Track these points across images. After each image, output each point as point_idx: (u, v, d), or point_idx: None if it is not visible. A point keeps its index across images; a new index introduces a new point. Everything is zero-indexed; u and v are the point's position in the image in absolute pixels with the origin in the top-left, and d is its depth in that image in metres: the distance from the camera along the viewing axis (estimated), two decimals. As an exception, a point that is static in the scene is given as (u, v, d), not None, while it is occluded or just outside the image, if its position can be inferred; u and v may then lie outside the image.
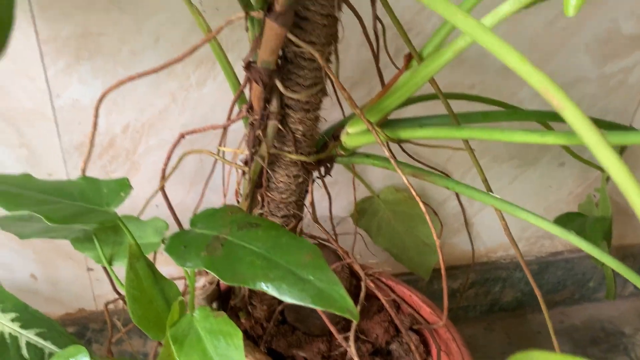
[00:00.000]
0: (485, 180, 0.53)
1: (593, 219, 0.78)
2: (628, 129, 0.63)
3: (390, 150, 0.51)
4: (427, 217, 0.52)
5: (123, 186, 0.51)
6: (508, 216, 0.91)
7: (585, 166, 0.87)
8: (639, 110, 0.84)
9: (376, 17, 0.54)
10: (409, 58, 0.49)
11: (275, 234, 0.42)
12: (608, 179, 0.80)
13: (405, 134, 0.51)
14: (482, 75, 0.74)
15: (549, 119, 0.53)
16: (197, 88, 0.65)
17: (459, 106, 0.72)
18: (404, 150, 0.62)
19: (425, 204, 0.79)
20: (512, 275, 0.97)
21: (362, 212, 0.82)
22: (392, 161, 0.50)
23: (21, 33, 0.57)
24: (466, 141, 0.54)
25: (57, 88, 0.61)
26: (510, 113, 0.54)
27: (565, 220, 0.79)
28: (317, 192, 0.81)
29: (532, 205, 0.90)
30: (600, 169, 0.79)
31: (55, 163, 0.66)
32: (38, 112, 0.62)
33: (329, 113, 0.71)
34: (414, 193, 0.50)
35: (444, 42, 0.46)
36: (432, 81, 0.50)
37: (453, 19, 0.28)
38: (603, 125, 0.63)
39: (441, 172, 0.82)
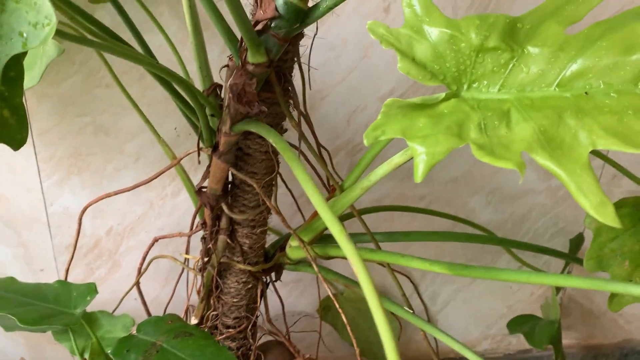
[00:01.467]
0: (423, 302, 0.59)
1: (544, 322, 0.82)
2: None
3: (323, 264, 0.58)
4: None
5: (90, 291, 0.59)
6: (473, 311, 0.95)
7: (545, 269, 0.92)
8: (589, 218, 0.89)
9: (319, 145, 0.63)
10: (333, 189, 0.57)
11: (204, 344, 0.50)
12: (559, 288, 0.85)
13: (332, 251, 0.58)
14: (431, 187, 0.81)
15: (463, 239, 0.60)
16: (172, 197, 0.74)
17: (410, 216, 0.79)
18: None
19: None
20: (480, 372, 0.99)
21: (328, 308, 0.88)
22: (320, 276, 0.57)
23: (23, 154, 0.68)
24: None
25: (51, 198, 0.71)
26: (429, 234, 0.61)
27: (517, 323, 0.84)
28: (282, 289, 0.88)
29: (495, 305, 0.95)
30: (550, 274, 0.84)
31: (47, 260, 0.76)
32: (34, 217, 0.72)
33: (293, 218, 0.80)
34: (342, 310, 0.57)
35: (360, 176, 0.55)
36: (352, 207, 0.57)
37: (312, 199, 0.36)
38: (547, 251, 0.69)
39: (402, 273, 0.88)
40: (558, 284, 0.45)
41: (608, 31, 0.39)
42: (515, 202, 0.85)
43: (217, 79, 0.58)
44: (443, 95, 0.42)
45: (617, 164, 0.60)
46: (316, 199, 0.34)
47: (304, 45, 0.53)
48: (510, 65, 0.42)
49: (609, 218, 0.35)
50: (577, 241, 0.87)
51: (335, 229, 0.32)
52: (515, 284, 0.94)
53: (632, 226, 0.59)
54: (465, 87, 0.43)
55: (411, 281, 0.88)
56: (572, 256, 0.76)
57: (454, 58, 0.43)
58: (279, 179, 0.61)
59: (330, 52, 0.69)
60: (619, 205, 0.59)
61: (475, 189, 0.83)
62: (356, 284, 0.61)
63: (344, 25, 0.68)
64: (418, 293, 0.89)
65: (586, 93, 0.39)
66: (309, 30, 0.51)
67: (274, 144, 0.42)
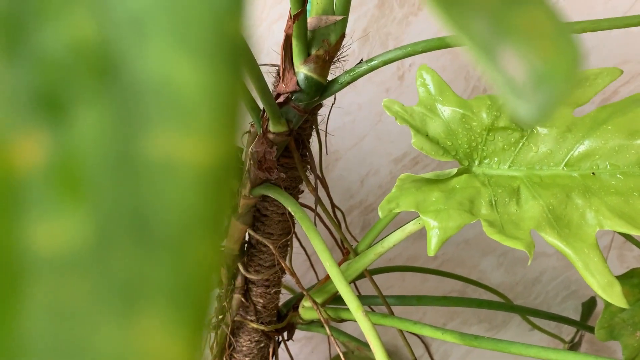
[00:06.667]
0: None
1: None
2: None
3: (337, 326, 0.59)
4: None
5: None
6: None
7: (557, 333, 0.91)
8: (601, 282, 0.89)
9: (334, 207, 0.64)
10: (347, 252, 0.59)
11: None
12: (570, 348, 0.85)
13: (344, 314, 0.59)
14: (444, 248, 0.82)
15: (475, 305, 0.61)
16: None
17: (422, 275, 0.80)
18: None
19: (393, 364, 0.85)
20: None
21: (337, 366, 0.87)
22: (332, 338, 0.58)
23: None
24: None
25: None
26: (441, 298, 0.62)
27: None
28: (293, 346, 0.88)
29: (506, 367, 0.94)
30: (563, 340, 0.84)
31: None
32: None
33: (306, 274, 0.81)
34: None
35: (374, 240, 0.56)
36: (366, 271, 0.59)
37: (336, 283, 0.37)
38: (558, 318, 0.70)
39: (413, 332, 0.88)
40: None
41: (613, 115, 0.42)
42: (526, 265, 0.86)
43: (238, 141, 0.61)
44: (455, 170, 0.44)
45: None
46: (335, 274, 0.36)
47: (322, 114, 0.55)
48: (520, 144, 0.44)
49: (617, 298, 0.36)
50: (590, 305, 0.87)
51: (353, 305, 0.34)
52: (527, 347, 0.93)
53: (642, 297, 0.59)
54: (476, 162, 0.45)
55: (422, 341, 0.88)
56: (582, 323, 0.76)
57: (465, 135, 0.45)
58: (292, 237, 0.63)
59: (346, 117, 0.71)
60: (629, 275, 0.59)
61: (486, 251, 0.84)
62: (367, 346, 0.62)
63: (360, 92, 0.71)
64: (429, 353, 0.89)
65: (593, 173, 0.41)
66: (327, 100, 0.54)
67: (292, 213, 0.44)
